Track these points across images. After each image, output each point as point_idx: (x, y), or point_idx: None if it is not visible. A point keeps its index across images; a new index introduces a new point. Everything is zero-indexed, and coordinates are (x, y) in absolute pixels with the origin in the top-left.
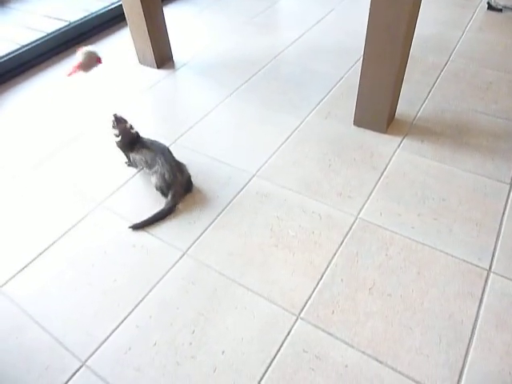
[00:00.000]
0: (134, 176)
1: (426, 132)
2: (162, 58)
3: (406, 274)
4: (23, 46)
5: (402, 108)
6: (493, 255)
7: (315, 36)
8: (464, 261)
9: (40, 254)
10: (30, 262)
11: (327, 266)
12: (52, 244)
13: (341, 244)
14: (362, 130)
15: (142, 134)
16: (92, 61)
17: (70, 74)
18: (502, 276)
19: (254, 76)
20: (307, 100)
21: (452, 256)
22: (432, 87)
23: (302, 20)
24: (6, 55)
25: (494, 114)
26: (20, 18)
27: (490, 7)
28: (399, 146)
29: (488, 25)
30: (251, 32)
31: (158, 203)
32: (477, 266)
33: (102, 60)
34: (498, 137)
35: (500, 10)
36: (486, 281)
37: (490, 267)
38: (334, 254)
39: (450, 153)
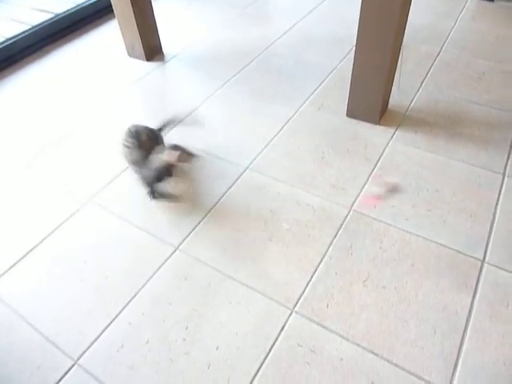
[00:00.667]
0: (123, 171)
1: (420, 123)
2: (152, 50)
3: (401, 266)
4: (8, 39)
5: (395, 99)
6: (486, 246)
7: (307, 26)
8: (458, 252)
9: (30, 250)
10: (20, 260)
11: (321, 259)
12: (42, 241)
13: (335, 236)
14: (355, 121)
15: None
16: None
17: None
18: (495, 266)
19: (245, 67)
20: (300, 91)
21: (446, 247)
22: (425, 77)
23: (293, 10)
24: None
25: (486, 104)
26: (6, 11)
27: None
28: (392, 137)
29: (480, 14)
30: (242, 23)
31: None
32: (471, 256)
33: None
34: (491, 127)
35: (492, 0)
36: (480, 271)
37: (484, 258)
38: (328, 247)
39: (443, 143)
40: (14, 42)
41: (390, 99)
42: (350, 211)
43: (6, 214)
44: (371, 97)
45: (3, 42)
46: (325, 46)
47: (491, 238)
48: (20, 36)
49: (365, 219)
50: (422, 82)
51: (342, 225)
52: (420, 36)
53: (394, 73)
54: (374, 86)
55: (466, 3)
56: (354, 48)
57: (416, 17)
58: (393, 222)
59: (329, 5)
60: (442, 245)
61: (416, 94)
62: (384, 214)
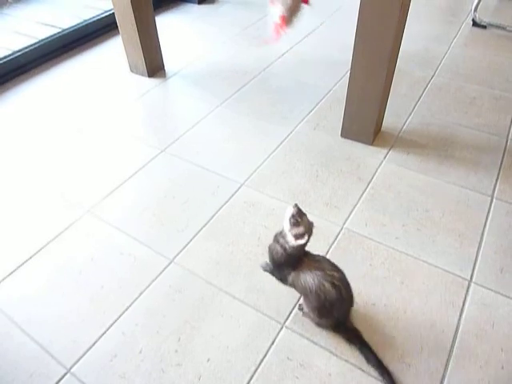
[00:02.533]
0: (121, 184)
1: (412, 144)
2: (154, 67)
3: (390, 284)
4: (15, 52)
5: (389, 120)
6: (474, 266)
7: (305, 48)
8: (446, 271)
9: (26, 260)
10: (17, 268)
11: None
12: (39, 250)
13: (326, 254)
14: (349, 141)
15: (134, 143)
16: (297, 2)
17: (276, 37)
18: (482, 286)
19: (244, 86)
20: (296, 111)
21: (435, 266)
22: (418, 101)
23: (292, 33)
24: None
25: (477, 128)
26: (13, 24)
27: (475, 24)
28: (385, 157)
29: (473, 41)
30: (242, 43)
31: (146, 210)
32: (458, 276)
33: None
34: (481, 150)
35: (484, 27)
36: (467, 291)
37: (471, 277)
38: None
39: (434, 165)
40: (21, 54)
41: (384, 121)
42: (342, 229)
43: (4, 222)
44: (365, 118)
45: (11, 55)
46: (321, 69)
47: (478, 259)
48: (27, 49)
49: (356, 237)
50: (415, 106)
51: (333, 242)
52: (413, 61)
53: (387, 96)
54: (368, 108)
55: (459, 30)
56: (349, 71)
57: (410, 42)
58: (383, 240)
59: (326, 28)
60: (430, 264)
61: (409, 116)
62: (375, 232)
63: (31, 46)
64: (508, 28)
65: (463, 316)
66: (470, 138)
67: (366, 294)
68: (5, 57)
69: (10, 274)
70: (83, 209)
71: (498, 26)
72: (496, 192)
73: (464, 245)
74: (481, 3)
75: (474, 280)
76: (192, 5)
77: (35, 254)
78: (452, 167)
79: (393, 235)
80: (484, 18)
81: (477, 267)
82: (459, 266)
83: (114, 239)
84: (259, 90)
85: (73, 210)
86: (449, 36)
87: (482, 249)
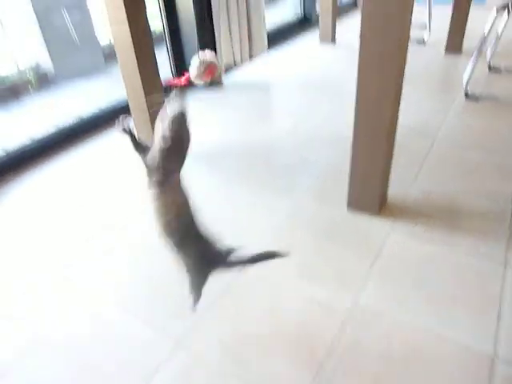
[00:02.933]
0: (128, 264)
1: (418, 214)
2: None
3: (410, 362)
4: (35, 140)
5: (393, 191)
6: (495, 340)
7: (308, 125)
8: (467, 347)
9: (33, 340)
10: (22, 351)
11: (327, 357)
12: (43, 330)
13: (341, 331)
14: (354, 212)
15: (142, 223)
16: (205, 69)
17: (172, 83)
18: (507, 362)
19: (250, 163)
20: (301, 185)
21: (455, 342)
22: (419, 171)
23: (295, 111)
24: (18, 149)
25: (481, 195)
26: (33, 112)
27: (468, 96)
28: (392, 228)
29: (468, 112)
30: (248, 122)
31: (153, 290)
32: (480, 352)
33: (217, 73)
34: (488, 218)
35: (477, 99)
36: (492, 368)
37: (495, 353)
38: (335, 345)
39: (442, 235)
40: (40, 142)
41: (388, 192)
42: (354, 306)
43: (8, 302)
44: (369, 190)
45: (31, 143)
46: (324, 144)
47: (499, 332)
48: (46, 137)
49: (369, 313)
50: (417, 176)
51: (347, 320)
52: (412, 133)
53: (389, 167)
54: (372, 181)
55: (453, 102)
56: (351, 148)
57: (407, 115)
58: (398, 315)
59: (328, 106)
60: (450, 340)
61: (412, 187)
62: (389, 307)
63: (51, 133)
64: (500, 98)
65: None
66: (475, 205)
67: (385, 374)
68: (27, 144)
69: (16, 359)
70: (85, 287)
71: (490, 98)
72: (508, 260)
73: (482, 318)
74: (471, 77)
75: (497, 355)
76: (200, 90)
77: (36, 335)
78: (460, 236)
79: (408, 310)
80: (476, 90)
81: (499, 341)
82: (480, 341)
83: (119, 321)
84: (264, 166)
85: (75, 288)
86: (444, 108)
87: (501, 321)
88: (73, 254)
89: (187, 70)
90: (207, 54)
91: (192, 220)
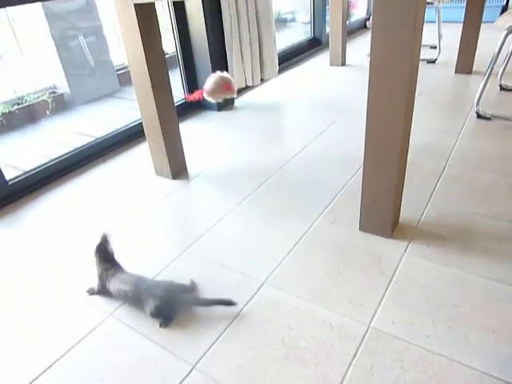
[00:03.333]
0: None
1: (431, 236)
2: (177, 169)
3: None
4: (52, 160)
5: (406, 212)
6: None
7: (319, 147)
8: (484, 373)
9: (49, 366)
10: (38, 376)
11: (342, 381)
12: (62, 356)
13: (354, 356)
14: (367, 234)
15: (155, 242)
16: (220, 88)
17: (189, 98)
18: None
19: (262, 185)
20: (313, 206)
21: (471, 368)
22: (432, 192)
23: (306, 132)
24: (35, 168)
25: (495, 217)
26: (51, 134)
27: (480, 116)
28: (406, 250)
29: (480, 132)
30: (260, 144)
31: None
32: (498, 378)
33: (233, 88)
34: (503, 239)
35: (489, 119)
36: None
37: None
38: (348, 367)
39: (456, 256)
40: (58, 162)
41: (401, 213)
42: (368, 328)
43: (24, 327)
44: (382, 211)
45: (48, 162)
46: (335, 165)
47: None
48: (63, 157)
49: (384, 337)
50: (431, 197)
51: (361, 343)
52: (424, 153)
53: (402, 188)
54: (384, 202)
55: (464, 122)
56: (362, 169)
57: (419, 135)
58: (413, 339)
59: (338, 127)
60: (466, 365)
61: (425, 208)
62: (403, 331)
63: (67, 153)
64: None
65: None
66: (489, 227)
67: None
68: (42, 164)
69: (33, 381)
70: (106, 312)
71: (502, 117)
72: None
73: (500, 342)
74: (482, 97)
75: None
76: (212, 112)
77: (56, 360)
78: (475, 258)
79: (422, 334)
80: (487, 110)
81: None
82: (497, 366)
83: (136, 344)
84: (277, 187)
85: (96, 312)
86: (455, 128)
87: None
88: (91, 274)
89: (200, 88)
90: (223, 73)
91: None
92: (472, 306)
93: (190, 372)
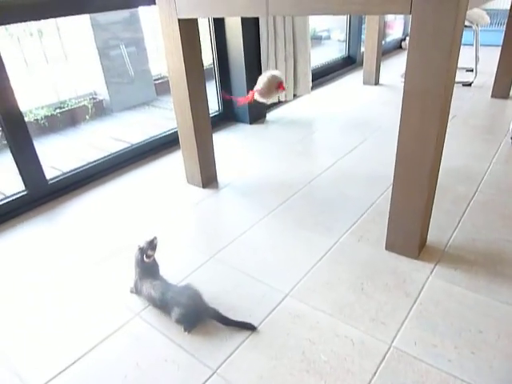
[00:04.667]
0: None
1: (459, 260)
2: (208, 178)
3: None
4: (89, 163)
5: (433, 235)
6: None
7: (348, 163)
8: None
9: (75, 361)
10: (65, 369)
11: None
12: (90, 350)
13: (374, 374)
14: (393, 254)
15: (183, 247)
16: (272, 87)
17: (240, 102)
18: None
19: (290, 198)
20: (340, 223)
21: None
22: (462, 216)
23: (336, 148)
24: (73, 170)
25: None
26: (89, 139)
27: None
28: (432, 272)
29: None
30: (289, 158)
31: None
32: None
33: (285, 86)
34: None
35: None
36: None
37: None
38: None
39: (484, 282)
40: (94, 165)
41: (428, 235)
42: (390, 348)
43: (55, 321)
44: (409, 232)
45: (85, 165)
46: (364, 183)
47: None
48: (99, 160)
49: (405, 358)
50: (460, 221)
51: (381, 362)
52: (455, 177)
53: (430, 211)
54: (412, 223)
55: (498, 148)
56: (391, 186)
57: (451, 159)
58: (435, 362)
59: (368, 145)
60: None
61: (454, 231)
62: (425, 353)
63: (104, 157)
64: None
65: None
66: None
67: None
68: (80, 167)
69: (57, 375)
70: (133, 312)
71: None
72: None
73: None
74: None
75: None
76: (244, 124)
77: (83, 355)
78: (504, 285)
79: (445, 358)
80: None
81: None
82: None
83: (160, 344)
84: (304, 201)
85: (123, 312)
86: (488, 153)
87: None
88: (121, 275)
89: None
90: (273, 71)
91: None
92: (498, 333)
93: (211, 376)
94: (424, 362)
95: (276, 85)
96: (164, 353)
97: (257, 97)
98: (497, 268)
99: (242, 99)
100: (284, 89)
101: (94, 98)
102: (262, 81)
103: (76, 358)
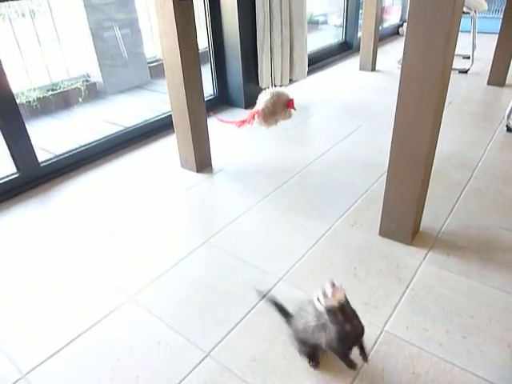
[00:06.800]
0: (166, 272)
1: (452, 246)
2: (202, 163)
3: None
4: (82, 146)
5: (427, 221)
6: None
7: (343, 150)
8: None
9: (68, 343)
10: (57, 352)
11: (351, 382)
12: (81, 334)
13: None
14: (387, 240)
15: (179, 233)
16: (278, 107)
17: (240, 125)
18: None
19: (284, 184)
20: (334, 208)
21: (484, 379)
22: (456, 202)
23: (331, 134)
24: (66, 153)
25: None
26: (81, 121)
27: (509, 129)
28: (424, 258)
29: (508, 145)
30: (284, 143)
31: (186, 300)
32: None
33: (294, 104)
34: None
35: None
36: None
37: None
38: (359, 369)
39: (476, 268)
40: (87, 148)
41: (422, 221)
42: (382, 331)
43: (49, 305)
44: (403, 218)
45: (78, 148)
46: (358, 169)
47: None
48: (93, 144)
49: (397, 341)
50: (453, 207)
51: (373, 345)
52: (450, 163)
53: (424, 197)
54: (406, 209)
55: (493, 135)
56: (386, 173)
57: (446, 145)
58: (426, 346)
59: (363, 132)
60: (479, 376)
61: (447, 218)
62: (417, 337)
63: (97, 140)
64: None
65: None
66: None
67: None
68: (73, 149)
69: (50, 357)
70: (126, 295)
71: None
72: None
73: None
74: None
75: None
76: (239, 109)
77: (76, 337)
78: (496, 271)
79: (436, 342)
80: None
81: None
82: (508, 381)
83: (153, 327)
84: (299, 187)
85: (116, 296)
86: (483, 140)
87: None
88: (112, 258)
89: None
90: (277, 88)
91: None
92: (489, 318)
93: (204, 359)
94: (415, 346)
95: (283, 103)
96: (157, 335)
97: (258, 120)
98: (489, 254)
99: (240, 122)
100: (294, 108)
101: (87, 81)
102: (264, 99)
103: (69, 341)
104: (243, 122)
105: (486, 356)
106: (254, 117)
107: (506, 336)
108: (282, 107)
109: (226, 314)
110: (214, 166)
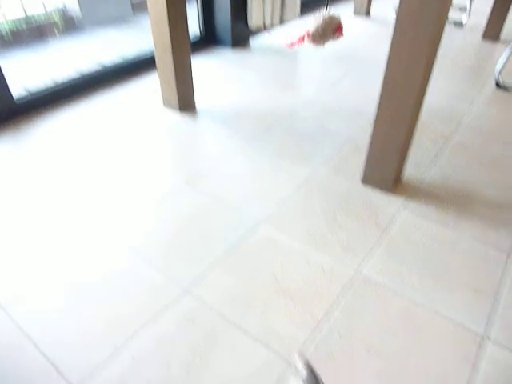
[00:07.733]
0: (147, 211)
1: (431, 196)
2: (185, 103)
3: (404, 335)
4: (59, 84)
5: (409, 171)
6: (488, 321)
7: (330, 97)
8: (461, 325)
9: (49, 277)
10: (37, 286)
11: (326, 319)
12: (63, 271)
13: (341, 298)
14: (369, 187)
15: (156, 171)
16: (328, 30)
17: (291, 45)
18: (496, 343)
19: (270, 128)
20: (319, 154)
21: (450, 319)
22: (439, 154)
23: (318, 81)
24: (42, 90)
25: (498, 186)
26: (58, 55)
27: (499, 85)
28: (404, 207)
29: (496, 101)
30: (271, 88)
31: (168, 239)
32: (472, 331)
33: (343, 31)
34: (501, 208)
35: (507, 89)
36: (481, 346)
37: (486, 333)
38: (334, 308)
39: (453, 218)
40: (66, 84)
41: (405, 172)
42: (357, 273)
43: (23, 247)
44: (386, 167)
45: (54, 85)
46: (344, 117)
47: (493, 314)
48: (70, 81)
49: (371, 283)
50: (437, 159)
51: (349, 287)
52: (437, 116)
53: (409, 146)
54: (389, 157)
55: (482, 89)
56: (373, 120)
57: (434, 97)
58: (399, 289)
59: (352, 80)
60: (446, 317)
61: (429, 169)
62: (391, 280)
63: (75, 77)
64: None
65: (477, 373)
66: (491, 195)
67: (379, 343)
68: (49, 87)
69: (31, 290)
70: (107, 231)
71: None
72: None
73: (480, 300)
74: (505, 67)
75: (487, 335)
76: (226, 49)
77: (56, 271)
78: (471, 222)
79: (409, 285)
80: (508, 81)
81: (491, 322)
82: (474, 320)
83: (134, 263)
84: (284, 132)
85: (96, 233)
86: (472, 95)
87: (496, 305)
88: (93, 199)
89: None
90: (328, 11)
91: None
92: (460, 265)
93: (184, 294)
94: (388, 288)
95: (333, 27)
96: (139, 271)
97: (308, 40)
98: (466, 206)
99: (291, 43)
100: (342, 34)
101: (64, 14)
102: (315, 23)
103: (49, 274)
104: (293, 43)
105: (453, 299)
106: (303, 39)
107: (473, 281)
108: (332, 32)
109: (207, 253)
110: (197, 107)
